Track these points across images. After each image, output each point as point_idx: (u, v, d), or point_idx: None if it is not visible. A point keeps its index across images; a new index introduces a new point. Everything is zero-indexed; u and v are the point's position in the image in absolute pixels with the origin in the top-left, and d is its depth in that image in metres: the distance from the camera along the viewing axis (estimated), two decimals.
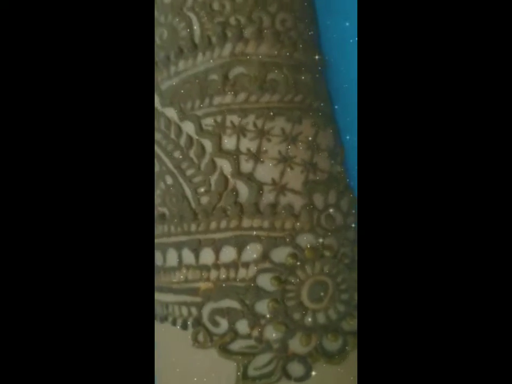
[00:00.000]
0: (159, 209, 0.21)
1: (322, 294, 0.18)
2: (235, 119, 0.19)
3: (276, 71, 0.19)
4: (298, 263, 0.18)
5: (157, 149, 0.21)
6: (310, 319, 0.18)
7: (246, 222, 0.18)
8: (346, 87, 0.31)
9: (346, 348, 0.19)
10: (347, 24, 0.32)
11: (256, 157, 0.19)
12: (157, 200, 0.21)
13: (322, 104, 0.20)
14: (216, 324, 0.19)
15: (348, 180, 0.21)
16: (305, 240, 0.19)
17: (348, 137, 0.30)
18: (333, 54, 0.31)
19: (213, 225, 0.19)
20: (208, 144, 0.19)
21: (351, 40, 0.32)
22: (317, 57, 0.22)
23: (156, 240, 0.21)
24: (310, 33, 0.21)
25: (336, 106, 0.29)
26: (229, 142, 0.19)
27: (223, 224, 0.19)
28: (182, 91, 0.20)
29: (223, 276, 0.19)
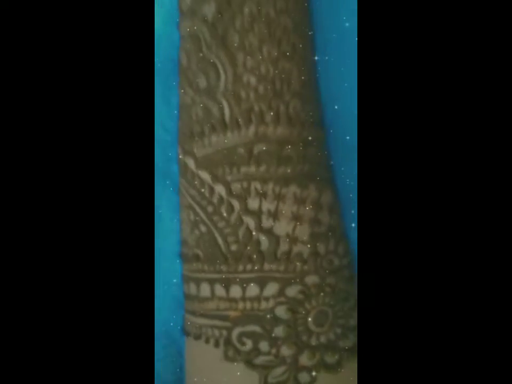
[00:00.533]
0: (194, 250, 0.26)
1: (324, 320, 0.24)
2: (258, 185, 0.24)
3: (290, 147, 0.25)
4: (306, 298, 0.24)
5: (192, 202, 0.26)
6: (314, 340, 0.24)
7: (266, 266, 0.24)
8: (346, 86, 0.33)
9: (342, 360, 0.24)
10: (347, 24, 0.34)
11: (274, 215, 0.24)
12: (192, 243, 0.26)
13: (324, 172, 0.26)
14: (243, 343, 0.24)
15: (343, 229, 0.26)
16: (311, 279, 0.24)
17: (348, 138, 0.33)
18: (333, 54, 0.34)
19: (240, 267, 0.24)
20: (236, 204, 0.24)
21: (350, 43, 0.33)
22: (316, 58, 0.27)
23: (190, 274, 0.26)
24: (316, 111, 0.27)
25: (336, 107, 0.32)
26: (253, 204, 0.24)
27: (249, 267, 0.24)
28: (215, 160, 0.25)
29: (249, 307, 0.24)
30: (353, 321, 0.25)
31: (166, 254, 0.34)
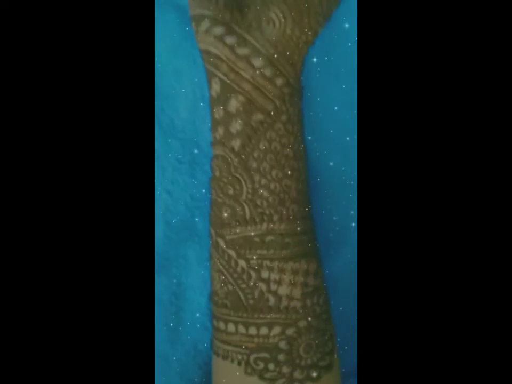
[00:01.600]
0: (223, 300, 0.39)
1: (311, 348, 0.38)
2: (268, 262, 0.37)
3: (289, 238, 0.37)
4: (298, 335, 0.37)
5: (222, 268, 0.38)
6: (303, 362, 0.38)
7: (273, 315, 0.37)
8: (346, 87, 0.34)
9: (321, 374, 0.38)
10: (347, 25, 0.34)
11: (278, 282, 0.37)
12: (222, 295, 0.39)
13: (311, 248, 0.38)
14: (257, 364, 0.37)
15: (324, 286, 0.39)
16: (302, 323, 0.37)
17: (347, 138, 0.34)
18: (333, 54, 0.34)
19: (256, 315, 0.37)
20: (253, 274, 0.37)
21: (350, 44, 0.33)
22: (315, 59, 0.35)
23: (220, 315, 0.39)
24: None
25: (336, 107, 0.34)
26: (264, 274, 0.37)
27: (261, 315, 0.37)
28: (239, 243, 0.37)
29: (261, 341, 0.37)
30: (328, 348, 0.38)
31: (195, 291, 0.46)
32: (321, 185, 0.42)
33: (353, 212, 0.35)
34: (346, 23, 0.35)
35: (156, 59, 0.45)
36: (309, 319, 0.37)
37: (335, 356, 0.38)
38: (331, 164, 0.37)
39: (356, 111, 0.30)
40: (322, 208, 0.43)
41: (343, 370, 0.43)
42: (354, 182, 0.35)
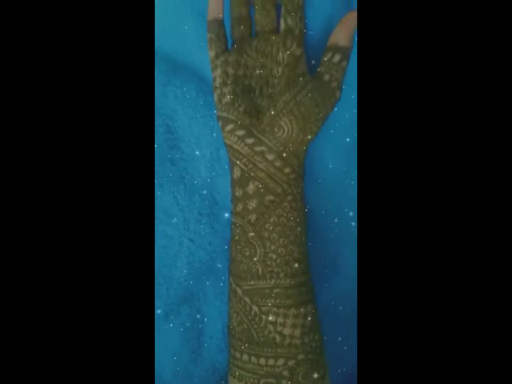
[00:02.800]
0: (239, 335, 0.49)
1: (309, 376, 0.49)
2: (275, 309, 0.47)
3: (292, 290, 0.48)
4: (298, 366, 0.48)
5: (239, 311, 0.49)
6: None
7: (278, 350, 0.47)
8: (346, 88, 0.33)
9: None
10: None
11: (283, 324, 0.48)
12: (239, 330, 0.49)
13: (308, 296, 0.49)
14: None
15: (318, 324, 0.50)
16: (300, 356, 0.48)
17: (347, 140, 0.33)
18: None
19: (265, 349, 0.47)
20: (263, 317, 0.47)
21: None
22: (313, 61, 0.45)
23: (236, 346, 0.50)
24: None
25: (335, 109, 0.33)
26: (272, 318, 0.47)
27: (269, 350, 0.47)
28: (253, 292, 0.48)
29: (269, 369, 0.48)
30: (320, 375, 0.49)
31: (213, 319, 0.57)
32: (321, 186, 0.44)
33: (353, 213, 0.37)
34: None
35: (179, 124, 0.54)
36: (306, 353, 0.48)
37: (326, 380, 0.49)
38: (330, 165, 0.40)
39: (356, 111, 0.30)
40: (322, 208, 0.46)
41: (344, 369, 0.51)
42: (354, 182, 0.37)
